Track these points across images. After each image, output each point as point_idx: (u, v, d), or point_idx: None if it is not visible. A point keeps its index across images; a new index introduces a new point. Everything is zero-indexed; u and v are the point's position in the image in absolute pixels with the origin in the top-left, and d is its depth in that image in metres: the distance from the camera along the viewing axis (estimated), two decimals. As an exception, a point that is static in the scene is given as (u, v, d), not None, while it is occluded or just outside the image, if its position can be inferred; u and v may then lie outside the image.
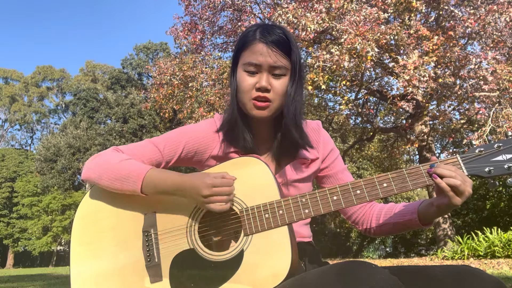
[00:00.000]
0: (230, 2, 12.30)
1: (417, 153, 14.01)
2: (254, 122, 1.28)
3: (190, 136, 1.29)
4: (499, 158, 1.08)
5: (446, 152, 16.78)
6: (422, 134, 11.57)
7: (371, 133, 14.05)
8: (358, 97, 12.34)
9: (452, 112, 12.00)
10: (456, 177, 1.07)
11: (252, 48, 1.21)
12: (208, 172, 1.17)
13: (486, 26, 9.26)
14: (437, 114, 11.10)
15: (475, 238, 9.15)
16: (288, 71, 1.22)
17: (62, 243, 31.36)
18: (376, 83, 13.75)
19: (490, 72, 9.21)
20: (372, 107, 14.42)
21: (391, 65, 10.59)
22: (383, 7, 9.58)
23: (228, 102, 1.32)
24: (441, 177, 1.08)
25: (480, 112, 9.93)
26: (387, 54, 10.78)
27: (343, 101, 10.49)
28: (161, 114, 14.23)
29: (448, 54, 9.38)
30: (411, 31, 9.65)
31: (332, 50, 9.01)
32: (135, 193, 1.17)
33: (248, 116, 1.26)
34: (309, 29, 9.07)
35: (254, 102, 1.21)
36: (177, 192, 1.15)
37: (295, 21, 9.21)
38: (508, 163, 1.07)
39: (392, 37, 9.29)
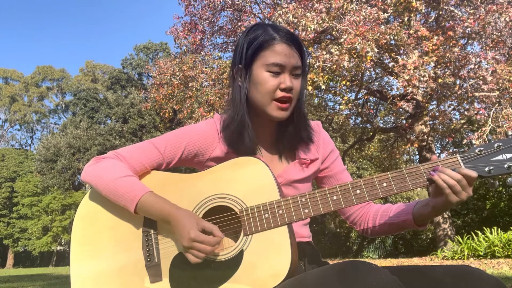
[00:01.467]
0: (230, 2, 12.30)
1: (417, 153, 14.01)
2: (258, 122, 1.28)
3: (190, 137, 1.29)
4: (499, 157, 1.08)
5: (446, 152, 16.77)
6: (422, 134, 11.57)
7: (371, 133, 14.04)
8: (358, 97, 12.34)
9: (452, 112, 12.01)
10: (456, 178, 1.07)
11: (274, 48, 1.21)
12: (210, 175, 1.19)
13: (486, 26, 9.26)
14: (437, 114, 11.10)
15: (475, 238, 9.15)
16: (301, 70, 1.25)
17: (62, 243, 31.35)
18: (376, 83, 13.75)
19: (490, 72, 9.21)
20: (372, 107, 14.42)
21: (391, 65, 10.59)
22: (383, 7, 9.58)
23: (228, 102, 1.32)
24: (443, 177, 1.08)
25: (480, 112, 9.93)
26: (387, 54, 10.78)
27: (343, 101, 10.49)
28: (161, 114, 14.24)
29: (447, 54, 9.38)
30: (411, 31, 9.66)
31: (332, 50, 9.01)
32: (128, 211, 1.19)
33: (253, 114, 1.26)
34: (309, 29, 9.07)
35: (276, 104, 1.22)
36: (166, 223, 1.16)
37: (295, 21, 9.21)
38: (508, 162, 1.07)
39: (392, 37, 9.30)
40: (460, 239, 9.50)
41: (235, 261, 1.09)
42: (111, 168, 1.22)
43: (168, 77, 12.18)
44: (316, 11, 9.44)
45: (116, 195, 1.18)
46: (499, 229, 9.18)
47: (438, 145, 17.20)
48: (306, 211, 1.12)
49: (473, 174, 1.06)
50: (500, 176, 1.10)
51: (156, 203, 1.15)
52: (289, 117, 1.26)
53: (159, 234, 1.19)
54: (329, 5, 9.45)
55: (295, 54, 1.22)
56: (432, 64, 9.36)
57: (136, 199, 1.15)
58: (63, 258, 31.85)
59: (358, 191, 1.12)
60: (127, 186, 1.17)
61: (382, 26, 9.25)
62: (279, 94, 1.21)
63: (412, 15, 10.21)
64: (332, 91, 11.50)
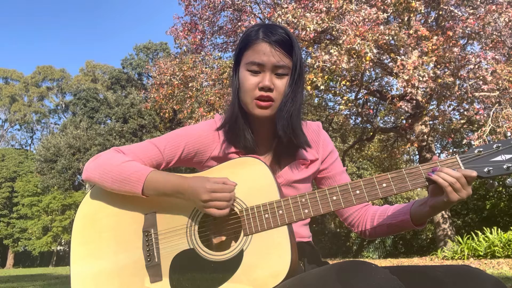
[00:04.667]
0: (230, 2, 12.30)
1: (417, 153, 14.01)
2: (255, 121, 1.28)
3: (190, 137, 1.30)
4: (498, 158, 1.08)
5: (446, 152, 16.78)
6: (422, 134, 11.57)
7: (371, 133, 14.04)
8: (358, 97, 12.34)
9: (452, 112, 12.01)
10: (455, 177, 1.07)
11: (255, 47, 1.21)
12: (210, 175, 1.17)
13: (486, 26, 9.26)
14: (437, 114, 11.10)
15: (475, 238, 9.15)
16: (290, 70, 1.22)
17: (62, 243, 31.34)
18: (376, 83, 13.75)
19: (489, 72, 9.21)
20: (372, 107, 14.42)
21: (390, 65, 10.60)
22: (382, 7, 9.58)
23: (229, 102, 1.32)
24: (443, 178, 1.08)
25: (480, 112, 9.93)
26: (386, 54, 10.78)
27: (343, 101, 10.50)
28: (161, 114, 14.25)
29: (447, 54, 9.38)
30: (411, 31, 9.66)
31: (332, 51, 9.01)
32: (136, 195, 1.17)
33: (250, 115, 1.26)
34: (308, 29, 9.08)
35: (256, 102, 1.21)
36: (178, 195, 1.15)
37: (295, 21, 9.22)
38: (507, 163, 1.07)
39: (391, 37, 9.30)
40: (460, 239, 9.50)
41: (235, 261, 1.09)
42: (112, 157, 1.22)
43: (168, 77, 12.19)
44: (316, 11, 9.44)
45: (120, 181, 1.17)
46: (499, 229, 9.18)
47: (438, 145, 17.20)
48: (306, 211, 1.12)
49: (473, 173, 1.07)
50: (499, 177, 1.10)
51: (162, 178, 1.16)
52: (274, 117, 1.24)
53: (160, 233, 1.19)
54: (328, 5, 9.45)
55: (278, 53, 1.19)
56: (432, 64, 9.37)
57: (142, 178, 1.15)
58: (63, 258, 31.85)
59: (357, 192, 1.12)
60: (130, 169, 1.18)
61: (382, 27, 9.25)
62: (258, 93, 1.20)
63: (411, 15, 10.21)
64: (332, 91, 11.50)
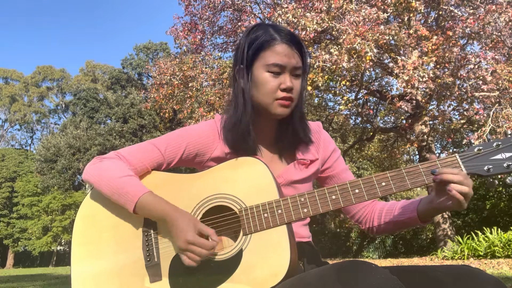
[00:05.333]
0: (230, 2, 12.30)
1: (417, 153, 14.01)
2: (262, 122, 1.28)
3: (191, 137, 1.30)
4: (498, 156, 1.08)
5: (446, 152, 16.78)
6: (422, 134, 11.57)
7: (371, 133, 14.04)
8: (358, 97, 12.35)
9: (452, 112, 12.01)
10: (466, 184, 1.06)
11: (274, 48, 1.21)
12: (210, 175, 1.19)
13: (486, 26, 9.26)
14: (437, 114, 11.11)
15: (475, 238, 9.15)
16: (302, 71, 1.26)
17: (62, 243, 31.35)
18: (376, 83, 13.75)
19: (490, 72, 9.21)
20: (372, 107, 14.42)
21: (390, 65, 10.59)
22: (382, 7, 9.58)
23: (228, 102, 1.32)
24: (450, 182, 1.07)
25: (479, 112, 9.93)
26: (386, 54, 10.78)
27: (343, 101, 10.49)
28: (161, 114, 14.25)
29: (447, 54, 9.38)
30: (411, 31, 9.66)
31: (332, 51, 9.01)
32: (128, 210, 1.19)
33: (255, 114, 1.26)
34: (308, 29, 9.08)
35: (279, 101, 1.23)
36: (164, 224, 1.17)
37: (295, 21, 9.22)
38: (507, 161, 1.07)
39: (391, 37, 9.30)
40: (460, 239, 9.50)
41: (234, 261, 1.09)
42: (112, 168, 1.22)
43: (168, 77, 12.19)
44: (316, 11, 9.44)
45: (116, 195, 1.19)
46: (499, 229, 9.18)
47: (438, 145, 17.21)
48: (305, 210, 1.12)
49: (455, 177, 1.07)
50: (499, 176, 1.10)
51: (155, 204, 1.16)
52: (288, 117, 1.26)
53: (159, 234, 1.19)
54: (328, 5, 9.45)
55: (296, 54, 1.22)
56: (432, 64, 9.37)
57: (135, 199, 1.16)
58: (63, 258, 31.85)
59: (357, 191, 1.12)
60: (126, 186, 1.18)
61: (382, 26, 9.25)
62: (280, 94, 1.22)
63: (411, 15, 10.21)
64: (332, 91, 11.51)
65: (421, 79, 8.72)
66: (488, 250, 8.52)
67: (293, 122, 1.27)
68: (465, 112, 11.02)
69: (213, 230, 1.11)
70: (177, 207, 1.16)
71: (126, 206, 1.18)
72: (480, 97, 9.81)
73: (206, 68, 12.18)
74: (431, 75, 9.04)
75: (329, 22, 9.30)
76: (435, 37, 9.45)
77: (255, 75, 1.23)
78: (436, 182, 1.09)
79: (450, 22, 10.41)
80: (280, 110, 1.23)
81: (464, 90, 9.95)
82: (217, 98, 10.99)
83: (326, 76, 9.20)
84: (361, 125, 15.42)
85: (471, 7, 9.89)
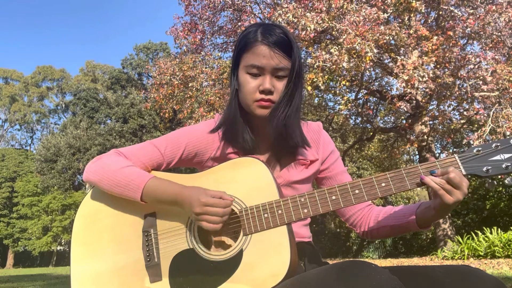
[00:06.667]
0: (230, 2, 12.30)
1: (417, 153, 14.01)
2: (255, 122, 1.28)
3: (191, 137, 1.30)
4: (497, 157, 1.08)
5: (446, 152, 16.77)
6: (422, 134, 11.57)
7: (371, 133, 14.04)
8: (358, 97, 12.34)
9: (452, 112, 12.01)
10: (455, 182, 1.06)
11: (254, 50, 1.20)
12: (210, 175, 1.18)
13: (486, 26, 9.26)
14: (437, 114, 11.10)
15: (475, 238, 9.15)
16: (289, 71, 1.22)
17: (62, 243, 31.35)
18: (376, 83, 13.75)
19: (489, 72, 9.21)
20: (372, 107, 14.42)
21: (390, 65, 10.60)
22: (383, 7, 9.58)
23: (228, 102, 1.32)
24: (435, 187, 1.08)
25: (480, 112, 9.93)
26: (386, 54, 10.78)
27: (343, 101, 10.49)
28: (161, 114, 14.24)
29: (447, 54, 9.38)
30: (411, 31, 9.66)
31: (332, 51, 9.01)
32: (135, 200, 1.18)
33: (249, 115, 1.26)
34: (308, 28, 9.07)
35: (258, 103, 1.21)
36: (175, 204, 1.15)
37: (295, 21, 9.22)
38: (506, 162, 1.07)
39: (391, 37, 9.30)
40: (460, 239, 9.50)
41: (235, 261, 1.09)
42: (112, 161, 1.23)
43: (168, 77, 12.19)
44: (316, 10, 9.44)
45: (119, 187, 1.18)
46: (499, 229, 9.18)
47: (438, 145, 17.20)
48: (305, 211, 1.12)
49: (451, 174, 1.06)
50: (499, 176, 1.10)
51: (161, 186, 1.16)
52: (274, 119, 1.22)
53: (159, 234, 1.19)
54: (328, 5, 9.45)
55: (277, 55, 1.18)
56: (432, 64, 9.36)
57: (141, 185, 1.16)
58: (63, 258, 31.85)
59: (357, 191, 1.12)
60: (130, 175, 1.18)
61: (382, 26, 9.25)
62: (259, 96, 1.20)
63: (411, 15, 10.21)
64: (332, 91, 11.50)
65: (421, 79, 8.72)
66: (488, 250, 8.52)
67: (272, 124, 1.22)
68: (465, 112, 11.02)
69: (223, 192, 1.12)
70: (183, 185, 1.16)
71: (132, 195, 1.17)
72: (480, 97, 9.81)
73: (206, 68, 12.18)
74: (431, 75, 9.04)
75: (329, 22, 9.30)
76: (435, 37, 9.45)
77: (239, 77, 1.24)
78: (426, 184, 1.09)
79: (450, 22, 10.40)
80: (259, 111, 1.21)
81: (464, 90, 9.94)
82: (217, 98, 10.99)
83: (326, 76, 9.19)
84: (361, 125, 15.42)
85: (471, 7, 9.89)
